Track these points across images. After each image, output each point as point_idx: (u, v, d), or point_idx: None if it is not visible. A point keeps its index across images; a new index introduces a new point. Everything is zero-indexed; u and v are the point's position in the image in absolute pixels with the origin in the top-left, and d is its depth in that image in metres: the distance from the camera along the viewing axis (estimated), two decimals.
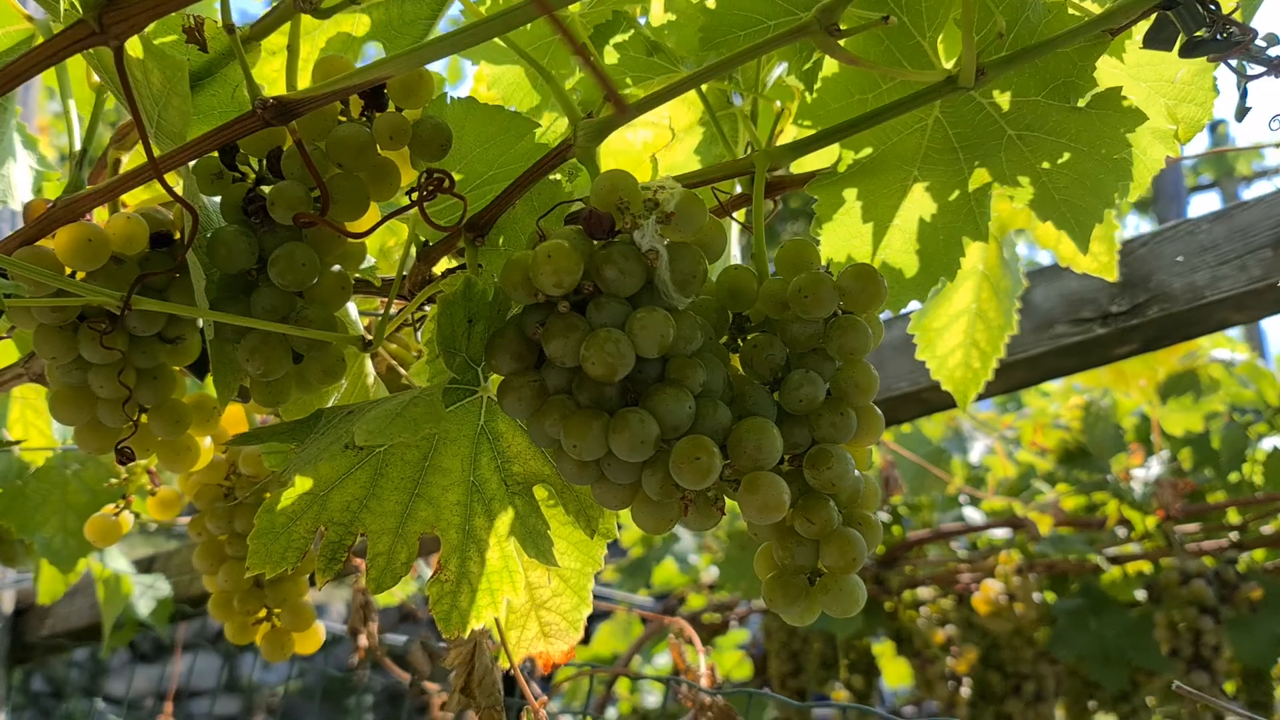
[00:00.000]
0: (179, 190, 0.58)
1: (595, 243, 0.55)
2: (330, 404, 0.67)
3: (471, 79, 0.85)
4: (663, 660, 2.61)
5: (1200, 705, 1.74)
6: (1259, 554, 1.93)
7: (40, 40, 0.72)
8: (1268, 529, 1.86)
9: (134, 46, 0.54)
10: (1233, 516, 1.84)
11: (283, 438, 0.59)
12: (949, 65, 0.65)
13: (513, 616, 0.73)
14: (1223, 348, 1.77)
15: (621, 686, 2.37)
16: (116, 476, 0.89)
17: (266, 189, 0.60)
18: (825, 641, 2.12)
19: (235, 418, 0.83)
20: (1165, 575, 1.69)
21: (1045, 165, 0.67)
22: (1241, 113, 0.76)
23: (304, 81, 0.72)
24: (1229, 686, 2.14)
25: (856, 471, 0.58)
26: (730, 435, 0.55)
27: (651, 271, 0.54)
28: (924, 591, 2.16)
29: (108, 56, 0.55)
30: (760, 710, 2.26)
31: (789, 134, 0.77)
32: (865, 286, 0.57)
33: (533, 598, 0.73)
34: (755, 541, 1.63)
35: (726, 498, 0.56)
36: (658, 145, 0.81)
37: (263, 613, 0.81)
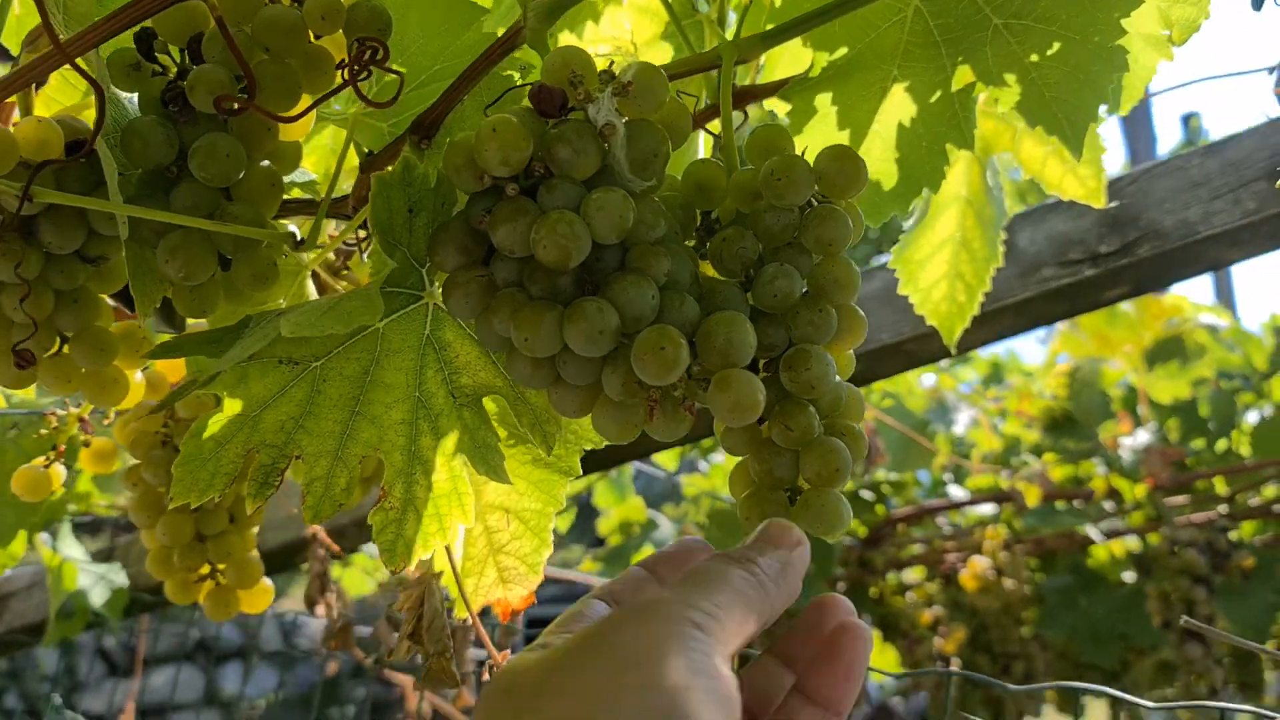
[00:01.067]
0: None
1: (547, 121, 0.50)
2: None
3: None
4: None
5: (1194, 678, 1.70)
6: (1248, 527, 1.89)
7: None
8: (1255, 501, 1.83)
9: None
10: (1220, 487, 1.81)
11: (208, 349, 0.54)
12: None
13: (469, 563, 0.68)
14: (1208, 314, 1.73)
15: None
16: (41, 439, 0.83)
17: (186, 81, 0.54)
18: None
19: (175, 366, 0.78)
20: (1156, 547, 1.65)
21: (1034, 58, 0.63)
22: (1258, 1, 0.72)
23: None
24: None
25: (838, 377, 0.54)
26: (699, 330, 0.50)
27: (608, 151, 0.49)
28: (910, 574, 2.12)
29: None
30: None
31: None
32: (843, 168, 0.52)
33: (491, 542, 0.68)
34: (734, 513, 1.55)
35: (699, 402, 0.51)
36: (620, 60, 0.76)
37: (205, 569, 0.75)
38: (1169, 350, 1.67)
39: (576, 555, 3.02)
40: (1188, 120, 6.01)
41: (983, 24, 0.62)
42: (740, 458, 0.55)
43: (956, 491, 1.95)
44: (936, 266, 0.84)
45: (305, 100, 0.55)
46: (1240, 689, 2.21)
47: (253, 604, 0.76)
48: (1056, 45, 0.62)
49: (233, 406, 0.55)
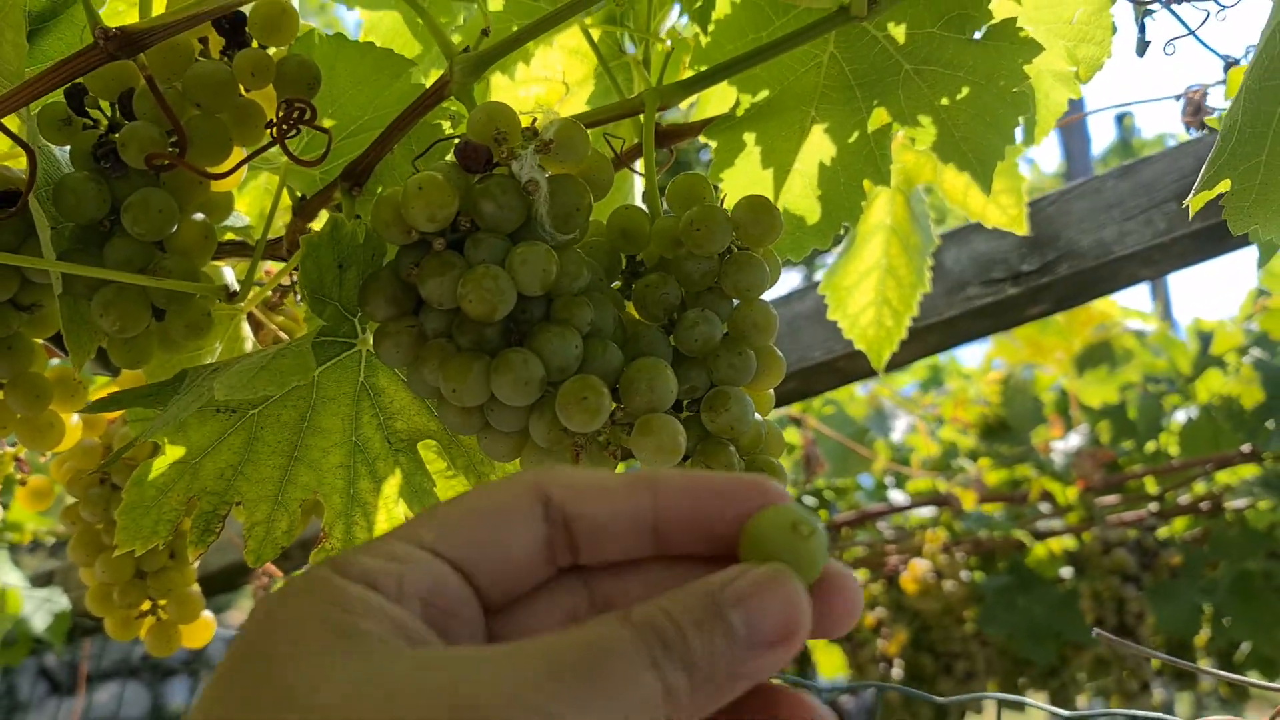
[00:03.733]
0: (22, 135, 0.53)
1: (472, 177, 0.51)
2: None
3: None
4: None
5: (1125, 673, 1.76)
6: (1179, 524, 1.96)
7: None
8: (1185, 498, 1.89)
9: None
10: (1150, 486, 1.86)
11: (146, 401, 0.55)
12: None
13: None
14: (1135, 319, 1.78)
15: None
16: None
17: (117, 136, 0.55)
18: None
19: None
20: (1088, 547, 1.71)
21: (944, 101, 0.66)
22: (1142, 47, 0.75)
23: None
24: (1154, 664, 2.17)
25: (757, 415, 0.56)
26: (622, 377, 0.52)
27: (532, 205, 0.51)
28: (860, 576, 2.16)
29: None
30: None
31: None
32: (759, 218, 0.55)
33: None
34: None
35: (624, 446, 0.53)
36: (550, 100, 0.78)
37: (146, 605, 0.76)
38: (1098, 355, 1.72)
39: None
40: (1121, 120, 6.16)
41: (894, 69, 0.65)
42: None
43: (898, 496, 1.99)
44: (864, 293, 0.87)
45: (238, 153, 0.56)
46: (1176, 677, 2.28)
47: (194, 638, 0.77)
48: (965, 90, 0.65)
49: (174, 452, 0.57)
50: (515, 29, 0.69)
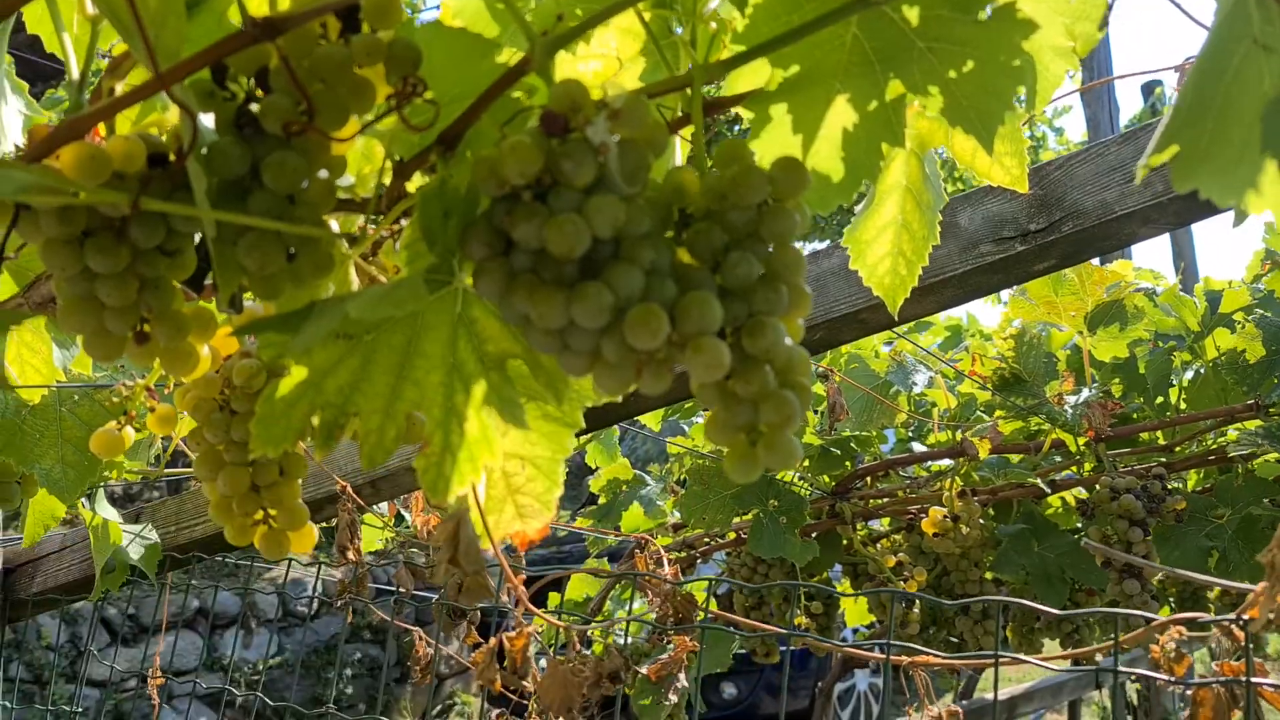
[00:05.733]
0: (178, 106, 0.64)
1: (553, 140, 0.62)
2: None
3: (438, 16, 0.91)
4: (638, 605, 2.70)
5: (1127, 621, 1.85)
6: (1191, 477, 2.05)
7: None
8: (1195, 450, 1.98)
9: None
10: (1162, 439, 1.96)
11: (279, 328, 0.66)
12: None
13: (491, 503, 0.81)
14: (1146, 279, 1.87)
15: (596, 632, 2.46)
16: (112, 406, 0.95)
17: (255, 106, 0.67)
18: (786, 574, 2.22)
19: (229, 342, 0.90)
20: (1097, 494, 1.80)
21: (952, 74, 0.76)
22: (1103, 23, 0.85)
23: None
24: (1164, 610, 2.27)
25: (789, 340, 0.67)
26: (677, 306, 0.63)
27: (603, 164, 0.62)
28: (877, 526, 2.27)
29: None
30: (727, 644, 2.36)
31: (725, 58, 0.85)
32: (790, 175, 0.65)
33: (509, 484, 0.81)
34: (712, 469, 1.72)
35: (678, 363, 0.64)
36: (606, 74, 0.88)
37: (260, 514, 0.88)
38: (1110, 314, 1.81)
39: (564, 519, 3.17)
40: (1150, 89, 6.17)
41: (909, 46, 0.75)
42: (712, 408, 0.68)
43: (919, 447, 2.09)
44: (881, 245, 0.97)
45: (353, 122, 0.67)
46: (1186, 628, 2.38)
47: (301, 545, 0.89)
48: (970, 64, 0.75)
49: (299, 373, 0.68)
50: (579, 11, 0.80)
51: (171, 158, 0.71)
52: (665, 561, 1.16)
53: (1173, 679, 0.95)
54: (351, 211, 0.77)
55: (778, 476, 2.06)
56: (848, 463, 2.09)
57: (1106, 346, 1.85)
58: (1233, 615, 0.99)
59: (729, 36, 0.82)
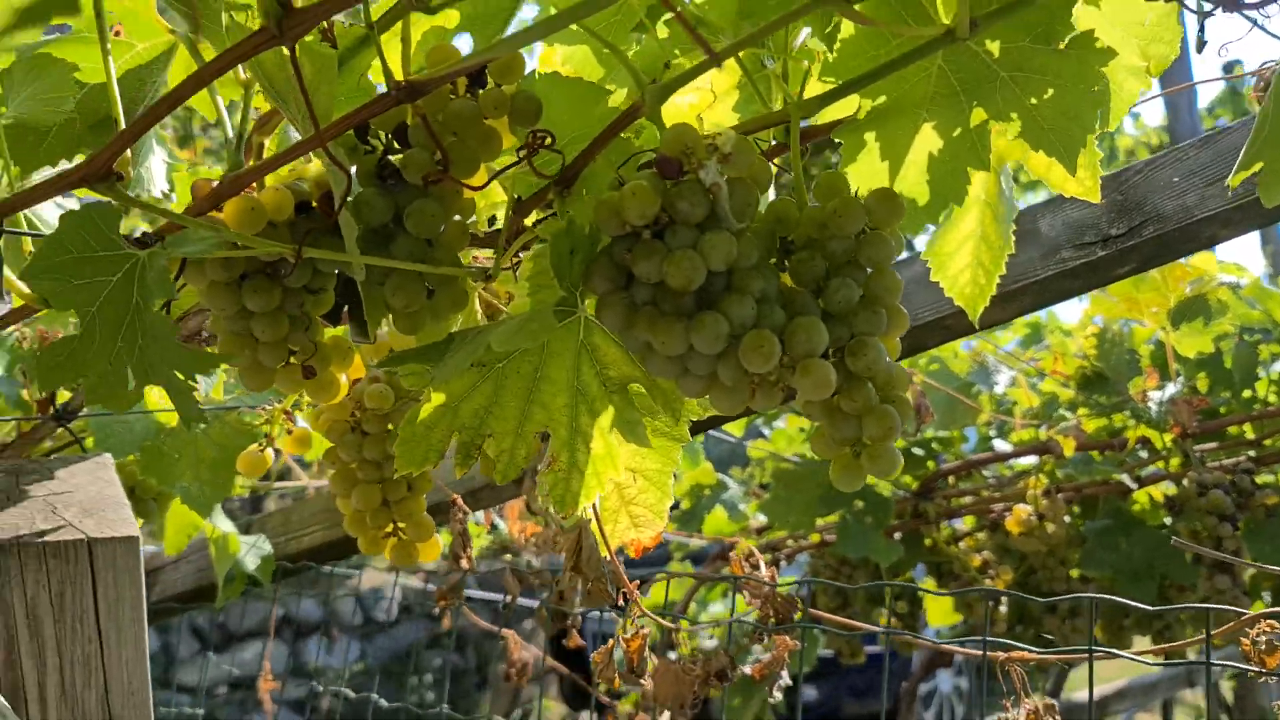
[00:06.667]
0: (325, 161, 0.72)
1: (668, 182, 0.68)
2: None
3: (537, 58, 0.97)
4: (717, 608, 2.76)
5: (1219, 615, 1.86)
6: None
7: (182, 50, 0.87)
8: None
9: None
10: (1249, 433, 1.95)
11: (421, 359, 0.73)
12: (947, 20, 0.77)
13: (606, 512, 0.87)
14: (1230, 273, 1.87)
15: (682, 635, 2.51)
16: (253, 428, 1.04)
17: (393, 157, 0.73)
18: (870, 575, 2.25)
19: (358, 366, 0.97)
20: (1185, 489, 1.81)
21: (1033, 101, 0.80)
22: (1200, 45, 0.88)
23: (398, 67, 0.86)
24: (1258, 605, 2.25)
25: (888, 359, 0.72)
26: (785, 330, 0.68)
27: (714, 203, 0.67)
28: (960, 525, 2.29)
29: (267, 56, 0.69)
30: (812, 646, 2.40)
31: (813, 89, 0.90)
32: (886, 206, 0.71)
33: (622, 496, 0.87)
34: (797, 472, 1.78)
35: (789, 384, 0.69)
36: (702, 106, 0.93)
37: (390, 527, 0.95)
38: (1193, 309, 1.81)
39: None
40: (1230, 68, 6.05)
41: (992, 76, 0.80)
42: (818, 423, 0.74)
43: (1001, 446, 2.11)
44: (962, 257, 1.02)
45: (482, 169, 0.74)
46: None
47: (428, 554, 0.96)
48: (1050, 91, 0.79)
49: (438, 398, 0.75)
50: (677, 52, 0.86)
51: (314, 204, 0.78)
52: (762, 564, 1.21)
53: (1265, 670, 0.97)
54: (475, 247, 0.84)
55: None
56: (930, 463, 2.12)
57: (1191, 342, 1.86)
58: None
59: (818, 68, 0.87)
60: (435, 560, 0.97)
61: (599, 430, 0.75)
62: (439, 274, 0.72)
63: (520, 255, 0.84)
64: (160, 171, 0.97)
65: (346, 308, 0.84)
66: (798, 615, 1.05)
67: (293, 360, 0.82)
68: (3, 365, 1.12)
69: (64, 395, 1.08)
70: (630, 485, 0.86)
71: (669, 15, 0.83)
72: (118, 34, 0.87)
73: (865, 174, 0.86)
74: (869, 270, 0.72)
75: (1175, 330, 1.84)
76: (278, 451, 0.98)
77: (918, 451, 2.05)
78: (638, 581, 0.88)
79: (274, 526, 1.76)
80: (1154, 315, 1.83)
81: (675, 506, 2.64)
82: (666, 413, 0.75)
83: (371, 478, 0.94)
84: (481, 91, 0.73)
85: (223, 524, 1.54)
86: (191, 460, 1.16)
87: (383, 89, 0.73)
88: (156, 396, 1.15)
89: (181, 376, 0.60)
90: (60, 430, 1.19)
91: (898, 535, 2.18)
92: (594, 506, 0.84)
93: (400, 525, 0.96)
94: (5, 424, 1.18)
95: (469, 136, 0.72)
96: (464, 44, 0.89)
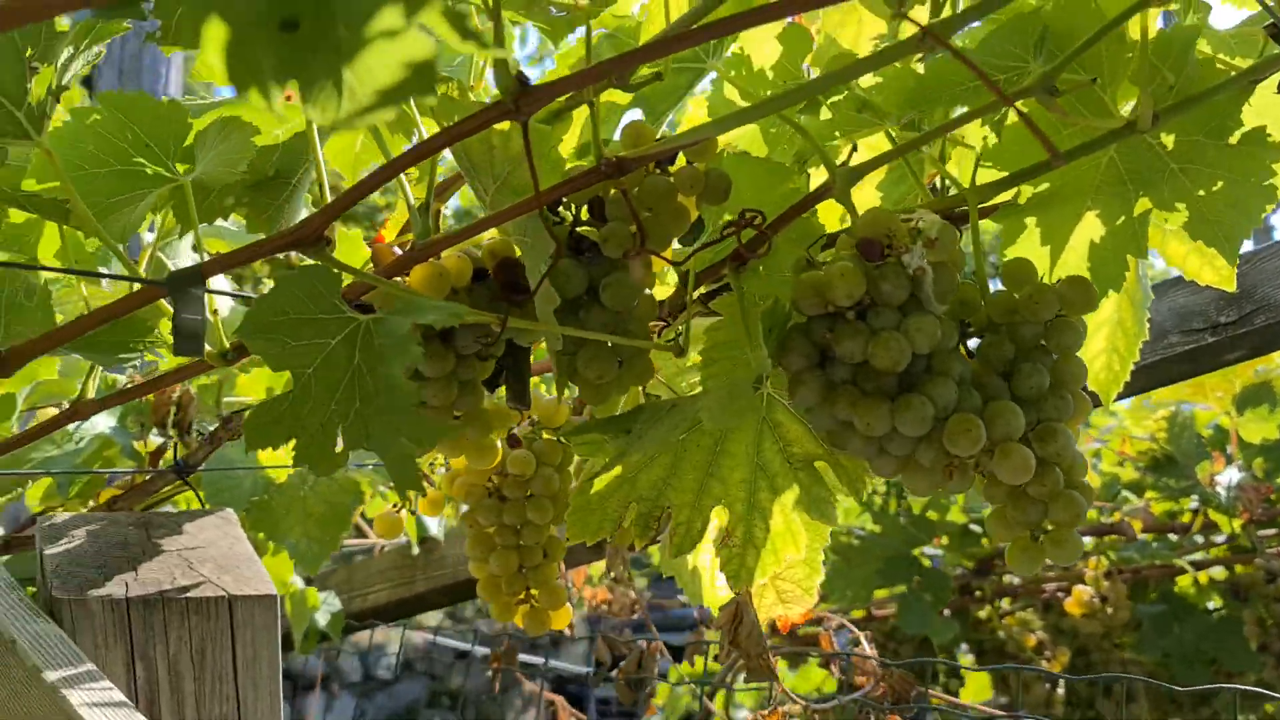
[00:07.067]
0: (515, 232, 0.72)
1: (870, 264, 0.69)
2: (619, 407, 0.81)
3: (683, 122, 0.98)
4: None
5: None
6: None
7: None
8: None
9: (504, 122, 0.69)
10: None
11: (602, 430, 0.73)
12: (1125, 113, 0.79)
13: (754, 587, 0.87)
14: None
15: (717, 702, 2.48)
16: (358, 485, 1.03)
17: (584, 229, 0.74)
18: (916, 649, 2.23)
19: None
20: (1250, 575, 1.81)
21: (1201, 193, 0.81)
22: None
23: (571, 143, 0.88)
24: None
25: (1075, 444, 0.72)
26: (984, 414, 0.68)
27: (916, 285, 0.68)
28: (1005, 603, 2.28)
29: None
30: None
31: (967, 168, 0.91)
32: (1080, 294, 0.71)
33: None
34: (856, 546, 1.75)
35: (986, 467, 0.69)
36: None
37: (524, 593, 0.95)
38: (1259, 395, 1.83)
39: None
40: None
41: (1162, 168, 0.81)
42: (998, 505, 0.74)
43: None
44: (1098, 342, 1.02)
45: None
46: None
47: (560, 622, 0.95)
48: (1220, 184, 0.80)
49: (613, 470, 0.75)
50: (837, 135, 0.87)
51: (490, 272, 0.79)
52: (864, 640, 1.20)
53: None
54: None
55: (913, 553, 2.10)
56: (985, 539, 2.11)
57: (1255, 427, 1.87)
58: None
59: (980, 151, 0.88)
60: (564, 627, 0.96)
61: (780, 507, 0.75)
62: (631, 346, 0.72)
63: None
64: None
65: (505, 373, 0.84)
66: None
67: (456, 424, 0.82)
68: (116, 417, 1.12)
69: (182, 449, 1.08)
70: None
71: (835, 97, 0.85)
72: (289, 99, 0.88)
73: (1026, 256, 0.87)
74: (1055, 356, 0.72)
75: (1240, 415, 1.85)
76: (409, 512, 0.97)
77: (976, 528, 2.05)
78: (777, 656, 0.87)
79: (338, 583, 1.75)
80: (1219, 400, 1.84)
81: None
82: (850, 491, 0.75)
83: (509, 543, 0.93)
84: (674, 168, 0.74)
85: (298, 579, 1.53)
86: (300, 516, 1.16)
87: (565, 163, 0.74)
88: (263, 453, 1.14)
89: (409, 443, 0.60)
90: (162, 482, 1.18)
91: (945, 611, 2.17)
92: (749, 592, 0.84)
93: (534, 592, 0.95)
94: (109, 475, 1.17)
95: (663, 212, 0.73)
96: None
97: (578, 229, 0.75)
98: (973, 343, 0.75)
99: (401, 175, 0.82)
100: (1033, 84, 0.69)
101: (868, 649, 1.16)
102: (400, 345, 0.58)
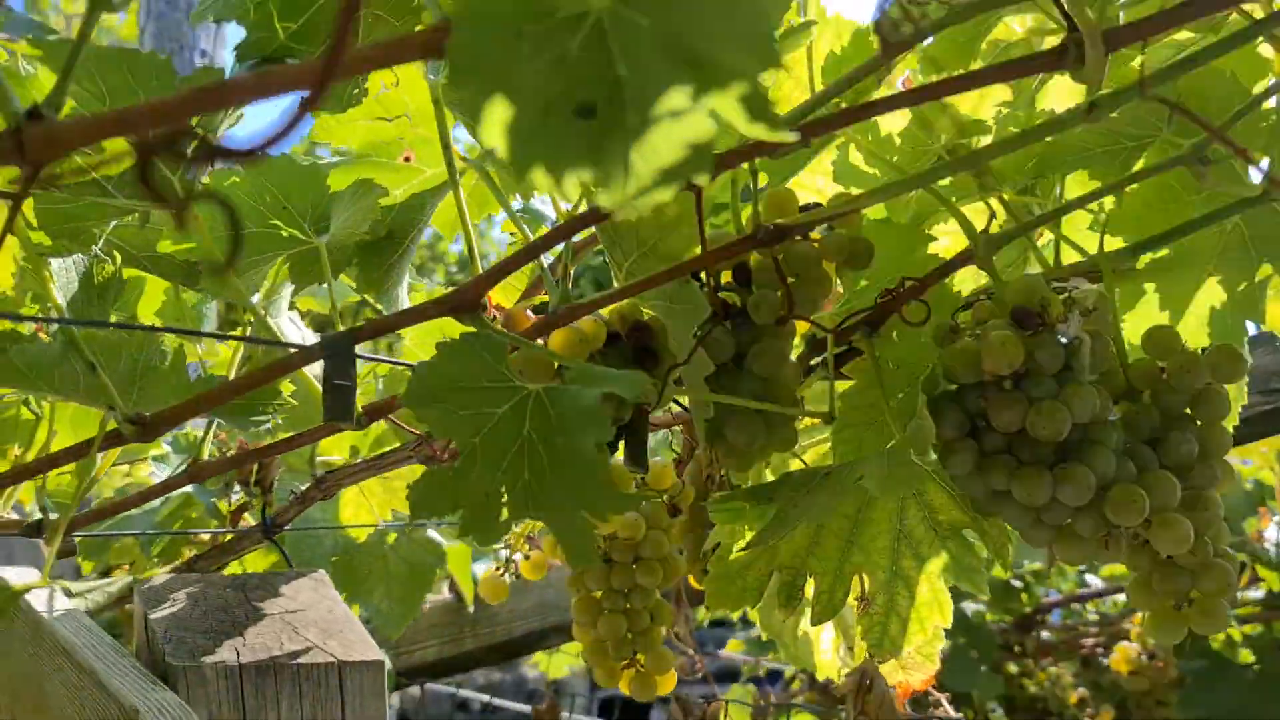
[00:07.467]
0: (658, 298, 0.72)
1: (1025, 332, 0.69)
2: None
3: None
4: None
5: None
6: None
7: (469, 175, 0.88)
8: None
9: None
10: None
11: (746, 498, 0.73)
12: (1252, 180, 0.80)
13: None
14: None
15: None
16: (428, 551, 1.03)
17: (727, 294, 0.74)
18: (955, 704, 2.21)
19: None
20: None
21: None
22: None
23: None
24: None
25: (1223, 514, 0.72)
26: (1141, 483, 0.68)
27: (1072, 354, 0.68)
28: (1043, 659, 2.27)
29: None
30: None
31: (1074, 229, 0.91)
32: (1231, 364, 0.72)
33: None
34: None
35: (1145, 536, 0.69)
36: (957, 248, 0.95)
37: (629, 658, 0.93)
38: None
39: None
40: None
41: None
42: (1139, 573, 0.73)
43: (1094, 581, 2.10)
44: None
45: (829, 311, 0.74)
46: None
47: (665, 687, 0.94)
48: None
49: (755, 537, 0.74)
50: (954, 199, 0.87)
51: (622, 334, 0.79)
52: (944, 702, 1.18)
53: None
54: None
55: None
56: (1024, 595, 2.11)
57: None
58: None
59: (1107, 217, 0.88)
60: (669, 692, 0.94)
61: (926, 576, 0.74)
62: (781, 413, 0.72)
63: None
64: (404, 297, 0.98)
65: (624, 436, 0.83)
66: None
67: (637, 495, 0.82)
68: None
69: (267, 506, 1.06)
70: None
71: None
72: (408, 159, 0.88)
73: (1142, 323, 0.87)
74: (1200, 423, 0.72)
75: None
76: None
77: (1016, 584, 2.04)
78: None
79: (380, 641, 1.72)
80: (1263, 455, 1.84)
81: (750, 625, 2.60)
82: (997, 559, 0.74)
83: (617, 607, 0.92)
84: (822, 236, 0.74)
85: None
86: (383, 577, 1.14)
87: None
88: (348, 514, 1.13)
89: (588, 515, 0.60)
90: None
91: (982, 666, 2.16)
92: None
93: (640, 657, 0.93)
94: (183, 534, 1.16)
95: (807, 278, 0.73)
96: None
97: (721, 294, 0.75)
98: None
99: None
100: (1185, 153, 0.70)
101: (950, 711, 1.15)
102: (589, 416, 0.57)
